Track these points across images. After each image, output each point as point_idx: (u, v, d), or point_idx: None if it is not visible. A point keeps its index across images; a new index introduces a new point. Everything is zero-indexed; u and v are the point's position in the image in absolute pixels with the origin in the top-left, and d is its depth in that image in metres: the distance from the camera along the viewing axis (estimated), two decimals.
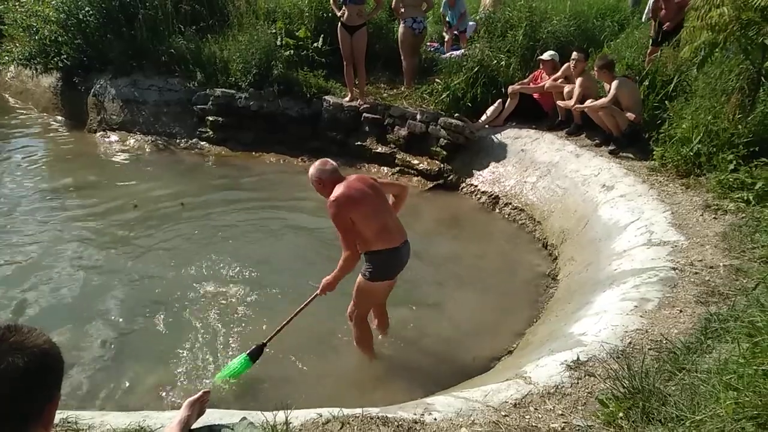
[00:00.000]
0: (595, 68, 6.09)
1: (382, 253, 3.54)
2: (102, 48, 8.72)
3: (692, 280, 3.59)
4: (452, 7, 9.10)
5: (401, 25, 7.76)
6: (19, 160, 7.85)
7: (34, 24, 9.05)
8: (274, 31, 8.32)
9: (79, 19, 8.68)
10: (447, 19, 9.24)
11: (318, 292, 3.65)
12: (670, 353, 2.74)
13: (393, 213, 3.71)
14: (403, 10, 7.61)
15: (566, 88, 6.52)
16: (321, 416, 2.37)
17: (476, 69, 7.26)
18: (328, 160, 3.67)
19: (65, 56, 8.90)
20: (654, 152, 5.62)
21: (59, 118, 9.53)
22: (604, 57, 6.25)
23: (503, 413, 2.49)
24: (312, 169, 3.60)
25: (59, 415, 2.28)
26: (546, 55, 6.94)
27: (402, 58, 7.91)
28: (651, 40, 7.24)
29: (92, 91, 8.85)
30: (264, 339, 3.78)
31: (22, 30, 9.36)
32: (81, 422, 2.30)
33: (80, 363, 3.81)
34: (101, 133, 8.70)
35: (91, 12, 8.63)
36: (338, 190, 3.45)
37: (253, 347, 3.74)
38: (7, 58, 9.69)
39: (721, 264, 3.72)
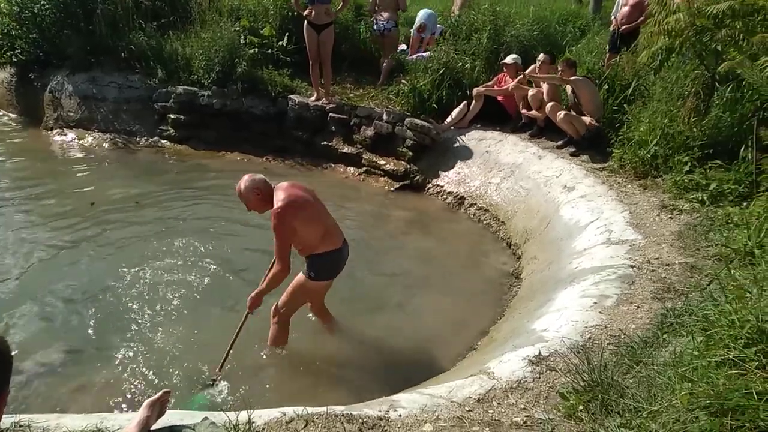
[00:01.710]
0: (560, 68, 6.23)
1: (327, 255, 3.56)
2: (59, 43, 8.45)
3: (649, 277, 3.70)
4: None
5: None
6: None
7: None
8: (238, 28, 8.21)
9: (34, 12, 8.40)
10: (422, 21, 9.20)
11: (248, 311, 3.63)
12: (628, 347, 2.81)
13: (330, 216, 3.72)
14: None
15: (530, 92, 6.64)
16: (285, 415, 2.35)
17: (442, 71, 7.34)
18: (255, 174, 3.56)
19: (19, 51, 8.59)
20: (613, 154, 5.78)
21: (13, 114, 9.18)
22: (568, 58, 6.53)
23: (467, 408, 2.51)
24: (245, 183, 3.46)
25: (10, 419, 2.19)
26: (509, 59, 7.05)
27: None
28: (608, 47, 7.44)
29: (48, 87, 8.57)
30: (213, 377, 3.65)
31: None
32: (35, 425, 2.21)
33: (30, 364, 3.67)
34: (58, 130, 8.43)
35: (46, 6, 8.35)
36: (281, 197, 3.38)
37: (208, 383, 3.61)
38: None
39: (676, 262, 3.84)
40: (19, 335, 4.00)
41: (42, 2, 8.35)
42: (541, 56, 6.59)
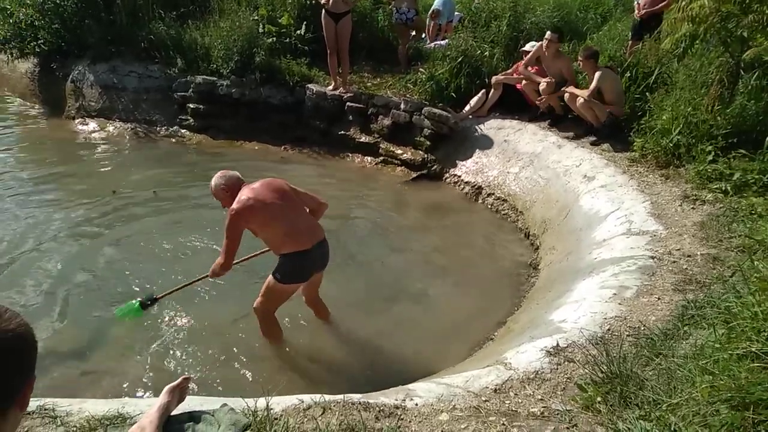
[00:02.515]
0: (580, 58, 6.12)
1: (290, 256, 3.48)
2: (80, 33, 8.54)
3: (670, 268, 3.64)
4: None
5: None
6: None
7: (9, 7, 8.82)
8: (256, 17, 8.22)
9: (56, 3, 8.49)
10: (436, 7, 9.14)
11: (208, 274, 3.65)
12: (648, 339, 2.78)
13: (303, 214, 3.58)
14: None
15: (541, 85, 6.52)
16: (302, 402, 2.37)
17: (460, 59, 7.27)
18: (229, 170, 3.58)
19: (42, 41, 8.70)
20: (634, 143, 5.68)
21: (36, 104, 9.33)
22: (589, 48, 6.29)
23: (483, 398, 2.51)
24: (215, 180, 3.49)
25: (36, 402, 2.25)
26: (528, 46, 6.96)
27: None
28: (630, 33, 7.29)
29: (70, 77, 8.68)
30: (159, 294, 4.01)
31: None
32: (59, 409, 2.26)
33: (54, 351, 3.74)
34: (79, 120, 8.54)
35: None
36: (240, 198, 3.37)
37: (147, 297, 4.00)
38: None
39: (698, 253, 3.78)
40: (32, 319, 4.06)
41: None
42: (548, 34, 6.42)
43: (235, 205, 3.34)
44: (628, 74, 6.41)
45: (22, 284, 4.51)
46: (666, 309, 3.16)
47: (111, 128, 8.28)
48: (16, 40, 8.92)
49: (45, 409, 2.25)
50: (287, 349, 3.90)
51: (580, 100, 6.04)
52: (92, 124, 8.39)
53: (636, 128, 5.81)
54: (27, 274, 4.66)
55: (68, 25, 8.59)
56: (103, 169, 7.10)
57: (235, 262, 3.59)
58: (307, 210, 3.64)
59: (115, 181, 6.62)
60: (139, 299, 4.00)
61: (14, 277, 4.61)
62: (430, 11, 8.68)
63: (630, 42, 7.19)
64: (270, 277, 3.57)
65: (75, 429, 2.12)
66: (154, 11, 8.48)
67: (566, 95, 6.24)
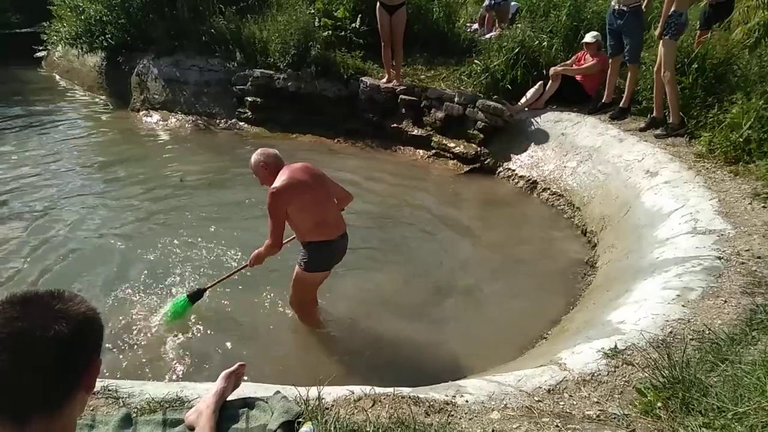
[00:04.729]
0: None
1: (314, 245, 3.53)
2: (145, 28, 8.88)
3: (738, 270, 3.46)
4: None
5: None
6: (67, 137, 8.10)
7: (81, 4, 9.26)
8: (312, 11, 8.30)
9: None
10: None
11: (248, 263, 3.74)
12: (713, 344, 2.65)
13: (333, 205, 3.64)
14: None
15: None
16: (353, 393, 2.39)
17: (517, 50, 7.10)
18: (269, 148, 3.65)
19: (109, 36, 9.10)
20: (701, 138, 5.41)
21: (103, 96, 9.78)
22: None
23: (537, 398, 2.45)
24: (256, 156, 3.56)
25: (101, 383, 2.36)
26: (589, 37, 6.72)
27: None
28: (699, 23, 6.92)
29: (135, 70, 9.04)
30: (208, 284, 4.07)
31: (69, 10, 9.59)
32: (121, 390, 2.37)
33: (118, 334, 3.91)
34: (144, 112, 8.89)
35: None
36: (281, 178, 3.42)
37: (195, 290, 4.02)
38: (55, 37, 9.97)
39: None
40: (105, 303, 4.25)
41: None
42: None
43: (276, 184, 3.40)
44: (695, 65, 6.10)
45: (87, 270, 4.72)
46: (733, 312, 3.01)
47: (173, 120, 8.58)
48: (86, 35, 9.39)
49: (108, 390, 2.36)
50: (336, 340, 3.94)
51: (667, 75, 5.60)
52: (156, 116, 8.72)
53: (703, 122, 5.54)
54: (93, 260, 4.88)
55: (134, 20, 8.95)
56: (166, 158, 7.37)
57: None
58: (335, 200, 3.70)
59: (178, 169, 6.86)
60: (186, 293, 4.04)
61: (82, 262, 4.84)
62: (486, 3, 8.58)
63: (698, 32, 6.83)
64: (296, 268, 3.65)
65: (136, 410, 2.21)
66: (215, 6, 8.70)
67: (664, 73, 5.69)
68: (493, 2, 8.38)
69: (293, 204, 3.42)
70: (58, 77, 11.31)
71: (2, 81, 10.93)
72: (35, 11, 12.12)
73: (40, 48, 11.41)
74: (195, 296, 4.01)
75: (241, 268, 4.01)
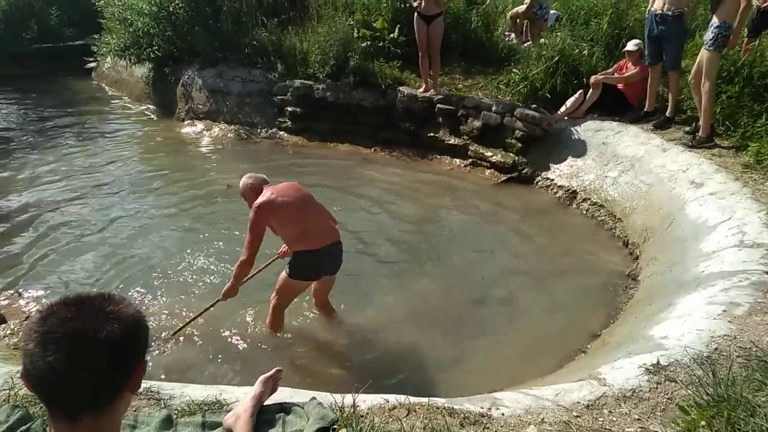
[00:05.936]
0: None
1: (300, 254, 3.65)
2: (190, 40, 9.14)
3: None
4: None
5: None
6: (116, 146, 8.41)
7: (129, 17, 9.61)
8: (351, 22, 8.41)
9: (170, 11, 9.13)
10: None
11: (220, 297, 3.82)
12: (761, 362, 2.55)
13: (318, 216, 3.74)
14: None
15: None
16: (387, 402, 2.39)
17: (556, 58, 7.03)
18: (256, 173, 3.85)
19: (156, 47, 9.41)
20: (749, 148, 5.23)
21: (150, 106, 10.11)
22: None
23: (575, 414, 2.41)
24: (244, 180, 3.77)
25: (144, 384, 2.43)
26: (631, 45, 6.60)
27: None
28: (746, 30, 6.70)
29: (181, 81, 9.32)
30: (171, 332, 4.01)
31: (118, 23, 9.97)
32: (163, 392, 2.44)
33: (159, 338, 4.02)
34: (188, 121, 9.15)
35: (180, 5, 9.05)
36: (263, 195, 3.59)
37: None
38: (105, 49, 10.37)
39: None
40: (151, 306, 4.39)
41: (176, 1, 9.05)
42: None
43: (258, 200, 3.57)
44: (743, 73, 5.90)
45: (135, 276, 4.88)
46: None
47: (216, 130, 8.80)
48: (134, 47, 9.72)
49: (151, 392, 2.43)
50: (371, 349, 3.96)
51: (706, 86, 5.46)
52: (200, 126, 8.97)
53: (751, 132, 5.35)
54: (143, 265, 5.05)
55: (180, 33, 9.22)
56: (210, 167, 7.57)
57: (251, 274, 3.85)
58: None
59: (220, 177, 7.03)
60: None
61: (131, 267, 5.01)
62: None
63: (746, 39, 6.61)
64: (282, 273, 3.78)
65: (177, 412, 2.27)
66: (257, 18, 8.90)
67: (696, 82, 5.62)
68: (534, 11, 8.34)
69: (276, 217, 3.57)
70: (107, 87, 11.76)
71: (56, 91, 11.44)
72: (87, 24, 12.65)
73: (91, 60, 11.88)
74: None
75: (212, 305, 3.98)
